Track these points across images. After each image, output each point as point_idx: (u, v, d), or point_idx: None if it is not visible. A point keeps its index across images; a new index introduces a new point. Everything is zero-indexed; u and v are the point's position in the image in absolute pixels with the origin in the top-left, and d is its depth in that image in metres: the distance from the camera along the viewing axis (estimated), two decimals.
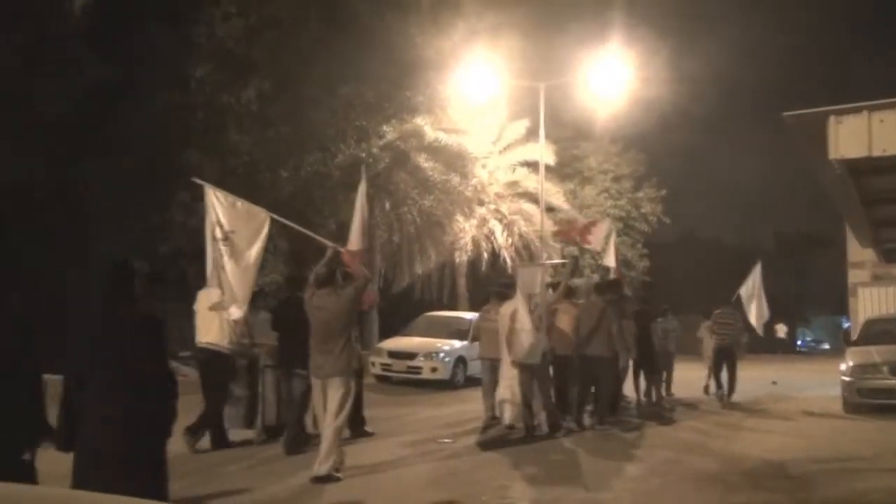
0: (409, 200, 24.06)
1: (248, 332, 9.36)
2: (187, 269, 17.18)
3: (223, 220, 8.72)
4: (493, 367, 11.19)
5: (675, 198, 34.60)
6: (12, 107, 13.33)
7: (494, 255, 27.79)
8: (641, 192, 33.31)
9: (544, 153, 25.19)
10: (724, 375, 14.73)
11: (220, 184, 17.32)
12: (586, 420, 11.45)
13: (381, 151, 22.30)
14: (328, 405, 7.75)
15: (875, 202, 13.90)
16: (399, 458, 8.96)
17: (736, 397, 14.92)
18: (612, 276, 15.01)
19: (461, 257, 26.86)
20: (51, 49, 13.31)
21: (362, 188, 9.69)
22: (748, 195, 69.40)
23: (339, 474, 7.63)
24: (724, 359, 14.75)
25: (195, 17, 15.45)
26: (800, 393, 16.43)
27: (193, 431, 8.83)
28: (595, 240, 16.11)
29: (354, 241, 9.03)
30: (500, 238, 27.39)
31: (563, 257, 30.49)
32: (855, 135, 7.86)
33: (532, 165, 27.32)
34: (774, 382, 18.26)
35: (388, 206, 24.06)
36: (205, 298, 9.08)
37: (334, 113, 18.98)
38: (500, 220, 27.74)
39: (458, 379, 16.99)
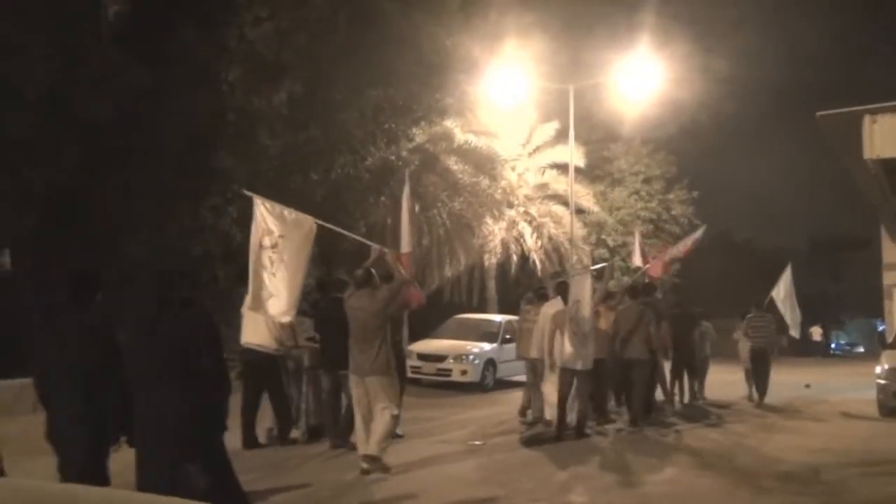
0: (439, 203, 24.06)
1: (293, 334, 9.58)
2: (218, 271, 17.34)
3: (273, 229, 9.06)
4: (534, 366, 11.55)
5: (706, 200, 34.29)
6: (51, 112, 13.53)
7: (524, 257, 27.74)
8: (672, 194, 33.06)
9: (574, 155, 25.14)
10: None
11: (251, 187, 17.47)
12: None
13: (410, 154, 22.32)
14: (375, 404, 8.03)
15: None
16: (435, 456, 9.11)
17: (770, 400, 15.07)
18: (645, 279, 14.86)
19: (490, 260, 26.83)
20: (86, 55, 13.47)
21: (406, 191, 10.40)
22: (782, 197, 68.57)
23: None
24: (758, 361, 15.01)
25: (226, 20, 15.55)
26: (834, 396, 16.23)
27: (282, 434, 9.60)
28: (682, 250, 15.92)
29: (405, 243, 9.54)
30: (530, 240, 27.34)
31: (594, 261, 30.44)
32: (891, 133, 7.72)
33: (561, 167, 27.25)
34: (808, 386, 18.06)
35: (417, 208, 24.06)
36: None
37: (364, 115, 19.00)
38: (530, 223, 27.69)
39: (487, 381, 16.97)
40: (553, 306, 11.04)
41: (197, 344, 5.02)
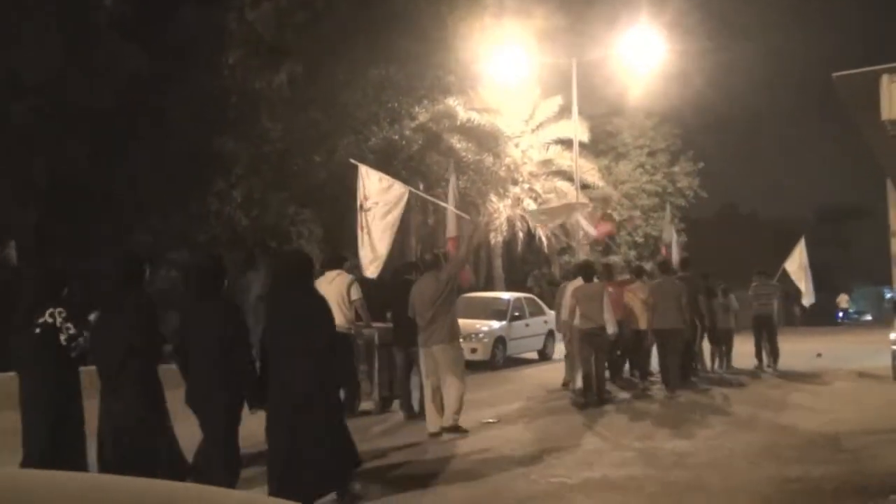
0: (443, 182, 23.92)
1: (365, 314, 9.96)
2: (224, 257, 17.25)
3: (369, 193, 10.47)
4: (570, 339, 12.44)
5: (711, 172, 34.15)
6: (52, 100, 13.41)
7: (530, 234, 27.65)
8: (677, 167, 32.93)
9: (578, 130, 24.98)
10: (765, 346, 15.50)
11: (255, 171, 17.51)
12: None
13: (413, 133, 22.17)
14: (443, 373, 8.91)
15: None
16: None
17: (783, 370, 15.21)
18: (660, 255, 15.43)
19: (496, 238, 26.75)
20: (86, 42, 13.33)
21: (453, 180, 12.48)
22: (788, 168, 68.38)
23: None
24: (763, 328, 15.58)
25: (225, 2, 15.39)
26: (847, 364, 16.13)
27: (351, 407, 9.96)
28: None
29: (451, 228, 11.39)
30: None
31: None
32: None
33: (566, 143, 27.12)
34: (819, 355, 17.96)
35: (421, 187, 23.92)
36: (324, 282, 9.35)
37: (366, 95, 18.85)
38: (535, 199, 27.56)
39: (497, 359, 16.88)
40: (573, 284, 11.98)
41: (315, 324, 5.94)
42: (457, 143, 23.84)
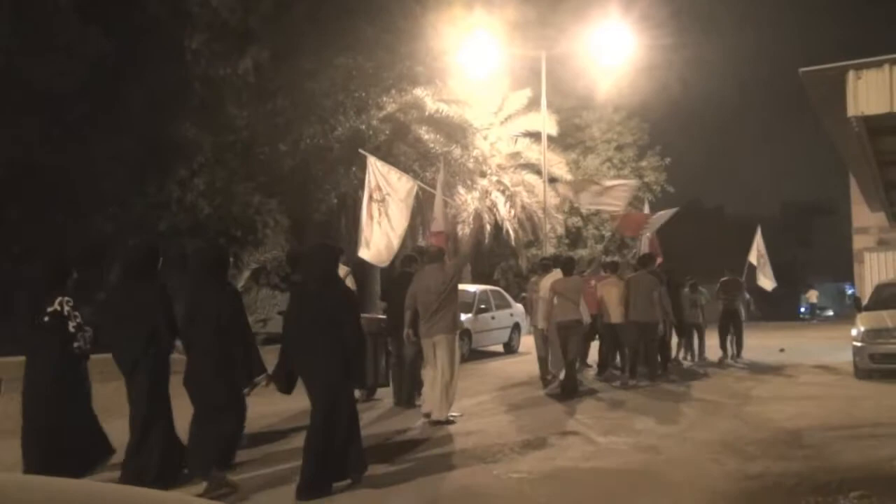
0: (411, 173, 23.70)
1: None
2: (186, 246, 16.96)
3: (381, 185, 10.71)
4: (543, 334, 12.49)
5: (678, 167, 34.28)
6: (7, 83, 13.06)
7: (497, 227, 27.55)
8: (644, 161, 33.02)
9: (546, 123, 24.92)
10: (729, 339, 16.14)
11: (218, 158, 17.23)
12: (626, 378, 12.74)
13: (381, 123, 21.97)
14: (439, 362, 9.16)
15: (890, 163, 13.59)
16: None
17: (745, 365, 15.45)
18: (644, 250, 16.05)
19: (464, 230, 26.62)
20: (44, 23, 12.99)
21: (441, 177, 12.55)
22: (755, 164, 69.03)
23: (454, 417, 9.29)
24: (730, 321, 16.20)
25: None
26: (809, 359, 16.24)
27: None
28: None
29: (438, 222, 11.27)
30: (503, 210, 27.12)
31: (567, 228, 30.36)
32: (875, 90, 7.55)
33: (534, 136, 27.04)
34: (782, 350, 18.09)
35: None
36: None
37: (333, 84, 18.62)
38: (503, 192, 27.46)
39: (463, 352, 16.78)
40: (551, 278, 12.14)
41: (342, 313, 6.30)
42: (424, 134, 23.64)
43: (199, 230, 17.41)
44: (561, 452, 7.74)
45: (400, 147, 23.25)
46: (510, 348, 18.92)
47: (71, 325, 6.48)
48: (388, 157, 22.93)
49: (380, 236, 10.61)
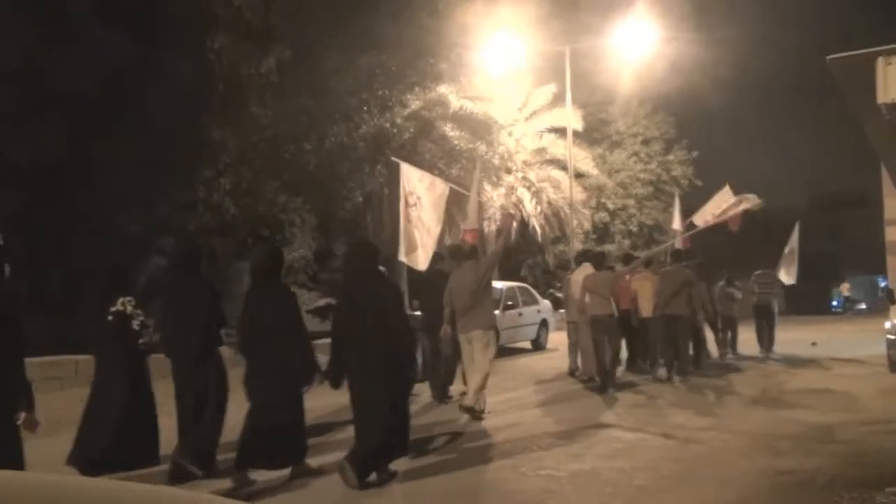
0: (436, 171, 23.64)
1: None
2: (215, 246, 17.04)
3: (413, 190, 10.86)
4: (576, 328, 12.80)
5: (706, 160, 33.95)
6: (32, 87, 13.17)
7: (523, 223, 27.44)
8: (672, 155, 32.77)
9: (571, 118, 24.78)
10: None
11: (243, 158, 17.27)
12: (661, 372, 12.82)
13: (405, 121, 21.92)
14: (475, 354, 9.31)
15: None
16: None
17: (777, 359, 15.36)
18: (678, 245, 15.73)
19: (490, 227, 26.53)
20: (66, 25, 13.08)
21: (477, 174, 12.60)
22: (783, 155, 68.12)
23: (484, 411, 9.40)
24: (763, 315, 16.32)
25: None
26: (841, 353, 16.02)
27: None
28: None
29: (472, 220, 11.58)
30: (529, 206, 26.98)
31: (594, 223, 30.18)
32: None
33: (559, 131, 26.90)
34: (814, 343, 17.86)
35: None
36: None
37: (357, 82, 18.56)
38: (529, 188, 27.34)
39: None
40: (582, 272, 12.29)
41: (389, 307, 6.47)
42: (449, 131, 23.57)
43: (227, 230, 17.49)
44: (588, 449, 7.67)
45: (425, 145, 23.20)
46: (538, 345, 18.83)
47: (134, 324, 6.90)
48: (413, 154, 22.93)
49: (417, 240, 10.76)
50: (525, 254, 30.78)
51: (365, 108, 19.54)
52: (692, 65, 28.89)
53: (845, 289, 43.88)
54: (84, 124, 13.66)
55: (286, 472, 6.61)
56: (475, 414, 9.26)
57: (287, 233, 19.12)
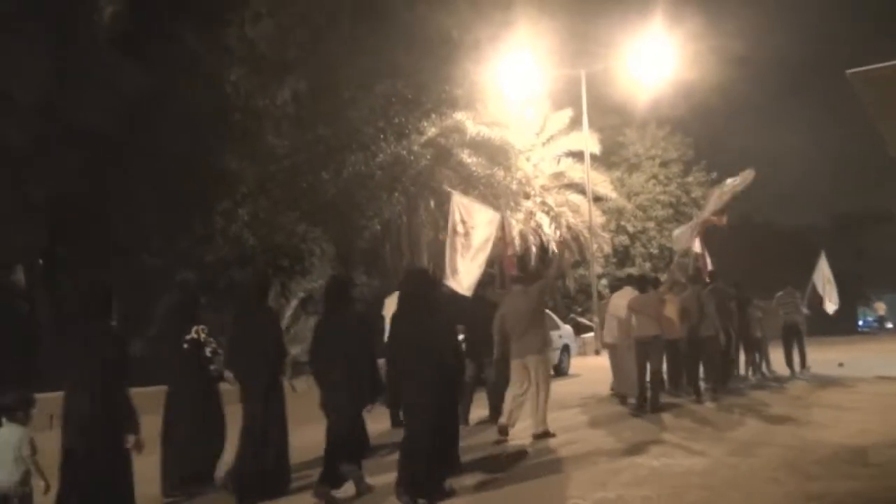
0: None
1: None
2: (234, 277, 17.02)
3: (465, 219, 11.25)
4: (613, 350, 13.03)
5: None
6: (50, 121, 13.28)
7: (543, 248, 27.34)
8: (691, 177, 32.61)
9: (589, 142, 24.76)
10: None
11: (261, 188, 17.31)
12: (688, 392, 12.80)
13: (422, 149, 21.99)
14: (533, 378, 9.47)
15: None
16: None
17: (806, 379, 15.20)
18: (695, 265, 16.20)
19: (509, 251, 26.43)
20: (82, 59, 13.20)
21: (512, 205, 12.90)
22: (802, 174, 67.61)
23: (552, 432, 9.54)
24: (791, 335, 16.11)
25: (225, 19, 15.20)
26: (870, 373, 15.71)
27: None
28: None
29: (512, 248, 12.42)
30: (548, 230, 26.89)
31: (614, 247, 30.01)
32: None
33: (577, 155, 26.87)
34: (841, 364, 17.55)
35: (432, 204, 23.75)
36: (391, 304, 9.75)
37: (373, 111, 18.65)
38: (547, 213, 27.26)
39: None
40: (623, 296, 12.41)
41: (443, 337, 6.82)
42: (467, 157, 23.63)
43: (246, 261, 17.49)
44: (613, 476, 7.50)
45: (442, 171, 23.25)
46: (560, 370, 18.62)
47: (207, 350, 7.32)
48: (430, 181, 22.98)
49: (464, 267, 11.07)
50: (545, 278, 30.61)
51: (381, 136, 19.61)
52: (709, 85, 28.87)
53: (881, 308, 43.22)
54: (102, 158, 13.74)
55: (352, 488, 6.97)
56: (549, 434, 9.52)
57: (306, 262, 19.12)
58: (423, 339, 6.66)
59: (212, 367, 7.37)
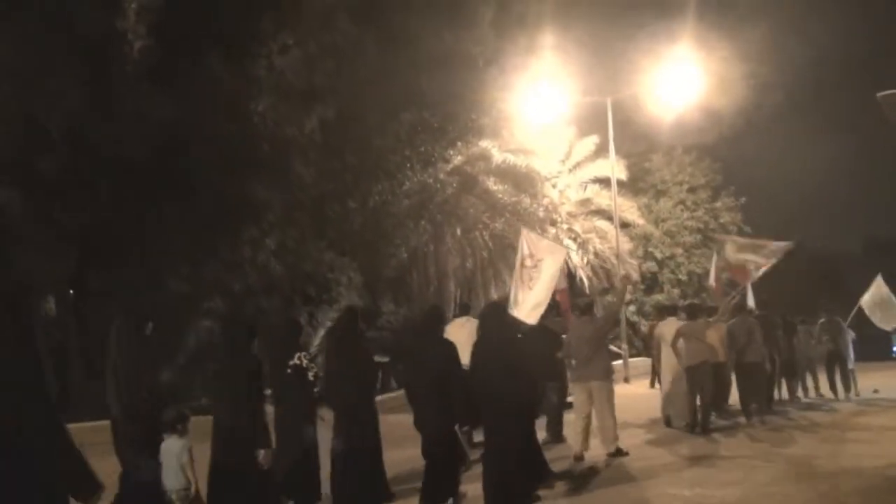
0: (480, 225, 23.68)
1: None
2: (262, 305, 17.05)
3: (533, 253, 11.77)
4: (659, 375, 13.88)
5: (754, 206, 33.43)
6: (81, 150, 13.44)
7: (570, 275, 27.17)
8: (719, 202, 32.34)
9: (615, 168, 24.66)
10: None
11: (289, 218, 17.38)
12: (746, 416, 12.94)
13: (448, 176, 22.00)
14: (597, 405, 9.96)
15: None
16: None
17: (840, 406, 15.14)
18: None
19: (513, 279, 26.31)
20: (112, 91, 13.38)
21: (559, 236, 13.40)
22: (833, 199, 66.80)
23: (625, 450, 9.96)
24: (834, 361, 16.56)
25: (253, 50, 15.35)
26: None
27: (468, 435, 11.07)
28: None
29: (560, 280, 12.92)
30: (576, 257, 26.73)
31: (642, 273, 29.80)
32: None
33: (604, 182, 26.76)
34: (876, 391, 17.20)
35: (458, 231, 23.74)
36: (455, 327, 10.45)
37: (399, 139, 18.71)
38: (574, 240, 27.12)
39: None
40: (670, 325, 12.91)
41: (519, 363, 7.47)
42: (493, 185, 23.63)
43: (273, 289, 17.52)
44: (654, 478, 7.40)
45: (468, 199, 23.25)
46: None
47: (310, 375, 7.82)
48: (456, 209, 22.98)
49: (530, 298, 11.52)
50: (573, 305, 30.40)
51: (408, 164, 19.65)
52: (736, 110, 28.67)
53: None
54: (131, 186, 13.87)
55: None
56: (622, 453, 9.91)
57: (333, 291, 19.14)
58: (505, 365, 7.19)
59: (315, 390, 7.92)
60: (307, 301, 18.76)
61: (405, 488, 8.22)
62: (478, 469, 8.54)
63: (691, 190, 32.10)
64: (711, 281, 17.85)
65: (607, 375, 10.19)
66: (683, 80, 23.02)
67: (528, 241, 12.20)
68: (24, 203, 13.54)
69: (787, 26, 28.35)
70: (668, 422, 12.72)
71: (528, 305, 11.52)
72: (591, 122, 26.08)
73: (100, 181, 13.68)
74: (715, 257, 18.07)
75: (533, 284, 11.77)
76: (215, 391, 6.78)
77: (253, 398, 6.29)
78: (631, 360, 23.54)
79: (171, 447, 6.29)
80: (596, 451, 10.11)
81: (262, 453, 6.15)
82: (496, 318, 7.81)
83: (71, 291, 16.20)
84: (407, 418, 7.68)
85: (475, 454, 9.66)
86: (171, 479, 6.24)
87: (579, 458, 9.93)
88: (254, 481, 6.19)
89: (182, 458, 6.27)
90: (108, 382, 6.68)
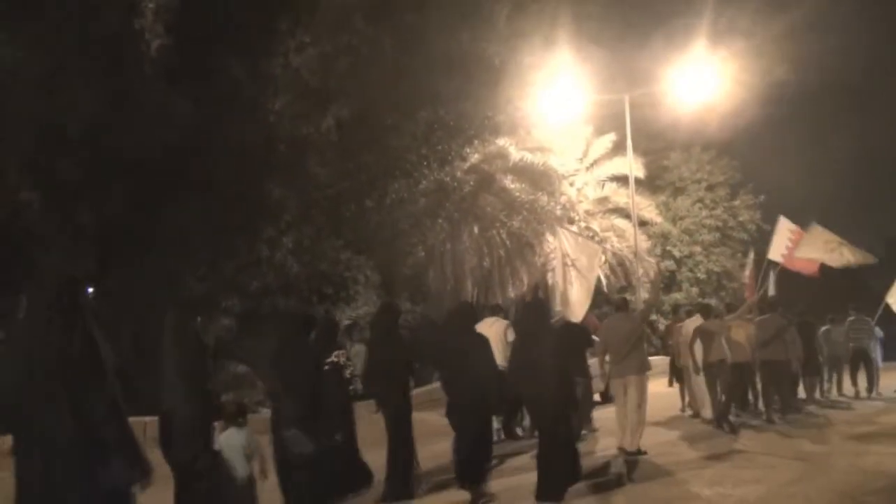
0: (497, 223, 23.63)
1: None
2: (279, 305, 17.09)
3: (569, 251, 12.37)
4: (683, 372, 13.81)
5: (774, 204, 33.12)
6: (97, 150, 13.52)
7: None
8: (738, 200, 32.09)
9: (633, 166, 24.51)
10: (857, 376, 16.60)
11: (306, 217, 17.40)
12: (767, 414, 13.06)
13: (465, 175, 21.98)
14: (629, 399, 10.05)
15: None
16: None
17: (862, 406, 15.01)
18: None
19: (554, 278, 26.22)
20: (129, 90, 13.44)
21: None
22: (854, 198, 66.26)
23: (643, 451, 9.93)
24: (859, 359, 16.68)
25: (270, 49, 15.38)
26: None
27: (506, 430, 11.78)
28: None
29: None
30: None
31: (660, 272, 29.61)
32: None
33: (621, 180, 26.63)
34: None
35: (476, 230, 23.69)
36: (485, 326, 10.53)
37: (415, 138, 18.67)
38: (592, 238, 26.98)
39: None
40: (692, 323, 13.04)
41: (562, 357, 7.86)
42: (510, 183, 23.58)
43: (290, 289, 17.56)
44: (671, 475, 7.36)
45: (486, 198, 23.21)
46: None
47: (347, 372, 8.23)
48: (473, 207, 22.95)
49: (575, 295, 12.05)
50: (590, 304, 30.31)
51: (424, 163, 19.62)
52: (755, 108, 28.45)
53: None
54: (149, 186, 13.93)
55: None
56: (641, 452, 9.89)
57: (350, 290, 19.16)
58: (544, 361, 7.47)
59: (350, 387, 8.34)
60: (323, 299, 18.77)
61: (441, 479, 8.57)
62: (514, 462, 9.61)
63: (710, 188, 31.88)
64: (746, 275, 18.12)
65: (642, 371, 10.28)
66: (701, 77, 22.86)
67: (567, 241, 12.73)
68: (44, 204, 13.66)
69: (805, 23, 28.00)
70: (696, 414, 13.24)
71: (571, 302, 12.01)
72: (609, 119, 25.96)
73: (118, 182, 13.73)
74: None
75: (574, 282, 12.29)
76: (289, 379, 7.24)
77: (315, 385, 7.08)
78: (649, 358, 23.41)
79: (236, 439, 6.50)
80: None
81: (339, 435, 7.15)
82: (538, 316, 8.12)
83: (90, 290, 16.29)
84: (429, 416, 7.78)
85: (510, 446, 10.83)
86: (239, 469, 6.43)
87: (624, 451, 10.01)
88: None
89: (246, 448, 6.49)
90: (169, 376, 6.52)
